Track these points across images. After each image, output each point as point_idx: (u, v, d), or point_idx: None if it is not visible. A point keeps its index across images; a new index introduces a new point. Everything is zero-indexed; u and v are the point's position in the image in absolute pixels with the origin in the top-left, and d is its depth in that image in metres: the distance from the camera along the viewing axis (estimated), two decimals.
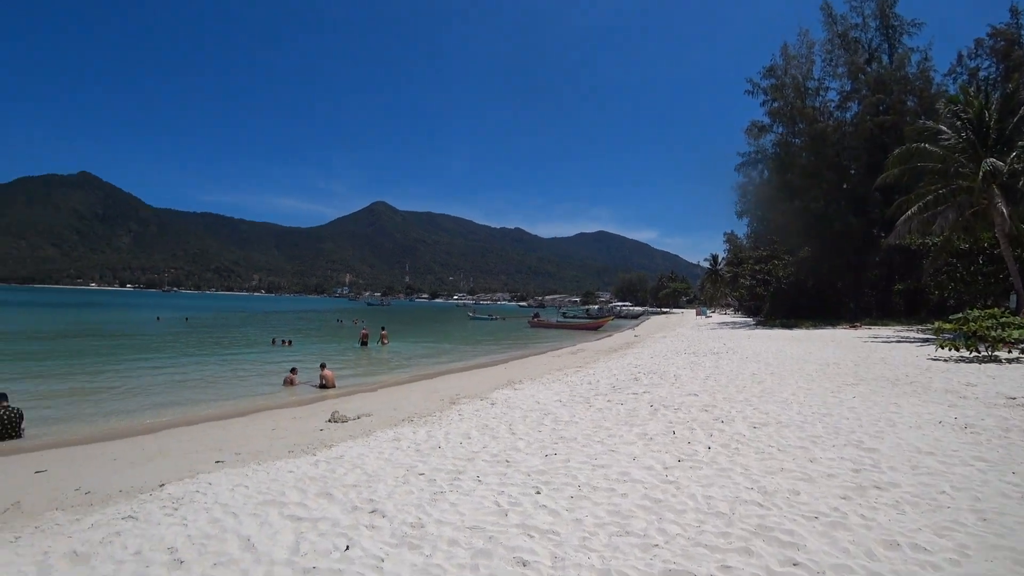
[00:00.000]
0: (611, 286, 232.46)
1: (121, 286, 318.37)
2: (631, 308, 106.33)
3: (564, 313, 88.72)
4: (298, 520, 5.12)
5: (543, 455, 6.91)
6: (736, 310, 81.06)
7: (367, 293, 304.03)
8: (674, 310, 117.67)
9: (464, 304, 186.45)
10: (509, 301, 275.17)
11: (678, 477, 5.86)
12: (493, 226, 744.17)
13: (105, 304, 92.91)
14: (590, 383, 13.58)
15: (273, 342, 30.02)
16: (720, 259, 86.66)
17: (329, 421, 10.59)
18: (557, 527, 4.66)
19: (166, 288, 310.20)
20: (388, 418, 10.61)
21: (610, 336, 41.36)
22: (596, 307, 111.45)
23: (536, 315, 67.10)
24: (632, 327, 55.64)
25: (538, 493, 5.50)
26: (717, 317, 69.18)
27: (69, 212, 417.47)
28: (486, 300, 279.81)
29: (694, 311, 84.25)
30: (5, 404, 10.40)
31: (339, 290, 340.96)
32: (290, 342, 29.96)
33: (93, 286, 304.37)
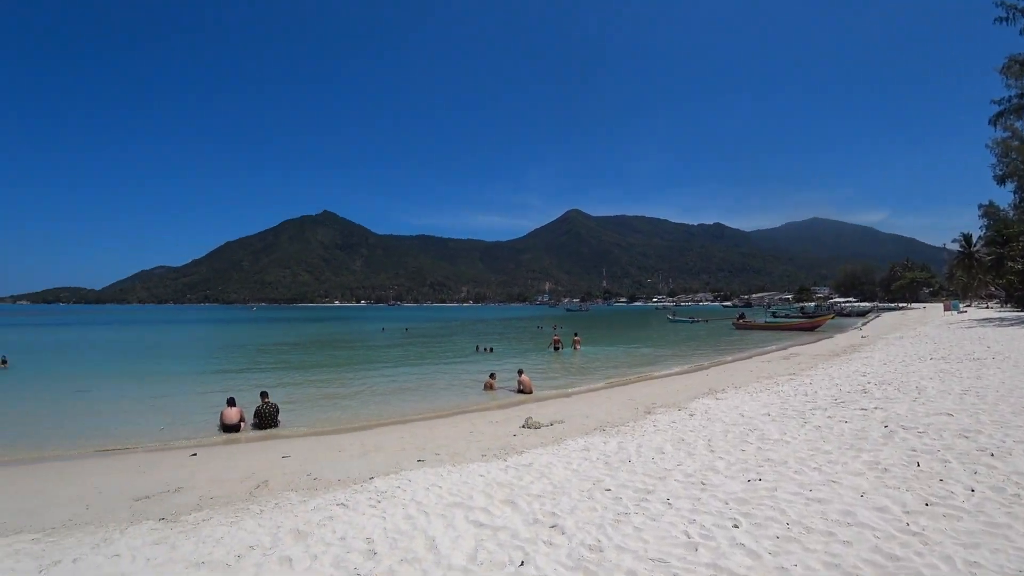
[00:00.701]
0: (829, 280, 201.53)
1: (357, 302, 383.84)
2: (856, 304, 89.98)
3: (774, 312, 79.25)
4: (480, 526, 5.21)
5: (745, 479, 5.99)
6: (1003, 302, 63.30)
7: (566, 299, 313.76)
8: (912, 305, 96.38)
9: (663, 306, 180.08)
10: (712, 301, 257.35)
11: (925, 528, 4.44)
12: (690, 223, 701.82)
13: (344, 318, 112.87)
14: (806, 394, 11.63)
15: (477, 349, 32.61)
16: (976, 239, 68.60)
17: (523, 427, 10.86)
18: (756, 575, 3.89)
19: (391, 302, 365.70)
20: (580, 426, 10.48)
21: (830, 338, 35.37)
22: (812, 304, 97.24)
23: (741, 315, 60.86)
24: (857, 326, 46.90)
25: (736, 527, 4.71)
26: (974, 312, 54.29)
27: (317, 244, 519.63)
28: (687, 301, 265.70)
29: (941, 305, 67.55)
30: (266, 399, 12.96)
31: (540, 298, 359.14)
32: (491, 349, 32.24)
33: (337, 303, 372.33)
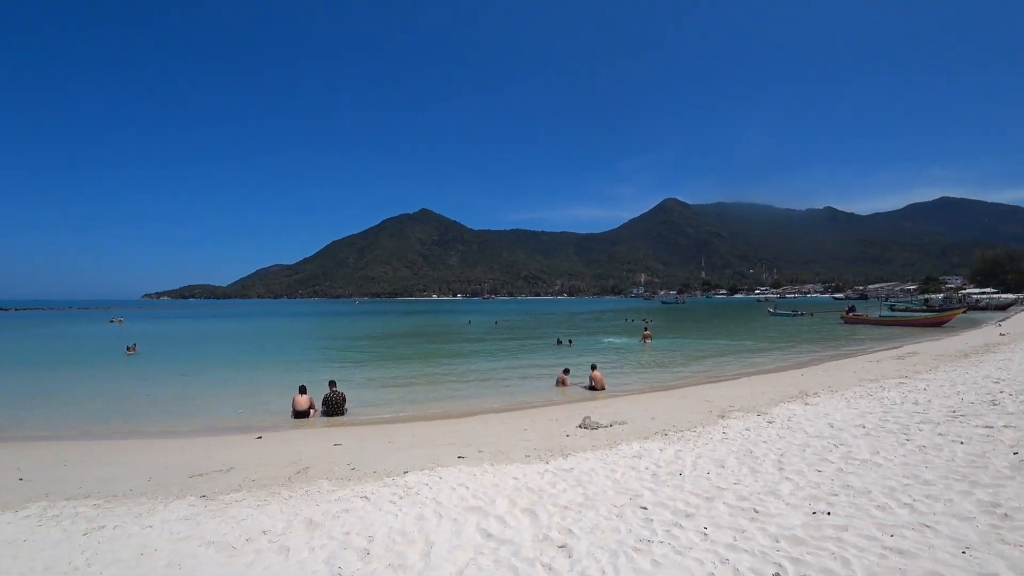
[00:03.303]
0: (963, 268, 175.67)
1: (453, 296, 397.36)
2: (995, 296, 77.31)
3: (891, 305, 70.69)
4: (487, 536, 4.86)
5: (810, 511, 5.06)
6: None
7: (662, 292, 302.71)
8: None
9: (766, 299, 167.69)
10: (822, 293, 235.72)
11: None
12: (797, 208, 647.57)
13: (438, 311, 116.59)
14: (915, 403, 9.97)
15: (559, 342, 32.08)
16: None
17: (579, 427, 10.30)
18: None
19: (486, 296, 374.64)
20: (641, 428, 9.73)
21: (957, 335, 30.61)
22: (940, 296, 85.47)
23: (851, 308, 54.45)
24: (996, 322, 40.22)
25: None
26: None
27: (415, 241, 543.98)
28: (792, 293, 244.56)
29: None
30: (334, 388, 13.40)
31: (634, 290, 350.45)
32: (571, 342, 31.61)
33: (434, 297, 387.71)
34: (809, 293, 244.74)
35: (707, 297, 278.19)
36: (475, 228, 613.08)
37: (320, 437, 10.61)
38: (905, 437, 7.60)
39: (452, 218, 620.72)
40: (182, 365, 23.94)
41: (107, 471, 8.34)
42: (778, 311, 68.73)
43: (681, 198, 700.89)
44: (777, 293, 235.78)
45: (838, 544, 4.32)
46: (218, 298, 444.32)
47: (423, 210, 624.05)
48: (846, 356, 23.11)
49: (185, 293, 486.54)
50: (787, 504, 5.26)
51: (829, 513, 4.98)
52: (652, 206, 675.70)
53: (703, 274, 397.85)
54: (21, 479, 7.96)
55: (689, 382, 17.36)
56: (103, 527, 5.59)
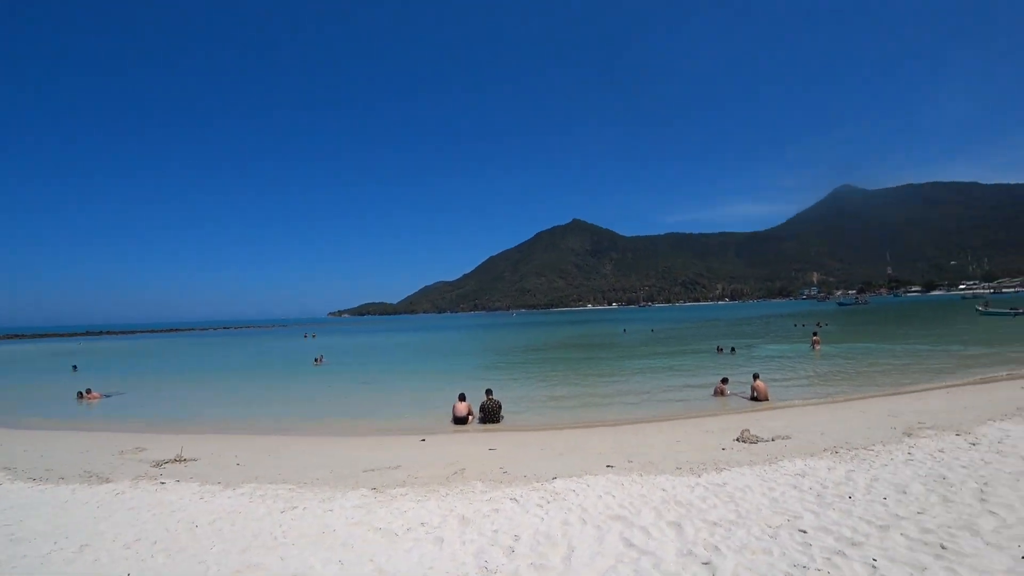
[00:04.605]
0: None
1: (608, 304, 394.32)
2: None
3: None
4: (629, 546, 4.86)
5: (1019, 555, 4.21)
6: None
7: (839, 292, 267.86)
8: None
9: (973, 295, 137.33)
10: None
11: None
12: (1011, 183, 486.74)
13: (593, 320, 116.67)
14: None
15: (718, 350, 30.22)
16: None
17: (736, 440, 9.66)
18: None
19: (642, 303, 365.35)
20: (807, 444, 8.84)
21: None
22: None
23: None
24: None
25: None
26: None
27: (568, 251, 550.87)
28: (1010, 288, 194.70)
29: None
30: (490, 396, 14.19)
31: (806, 291, 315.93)
32: (734, 349, 29.64)
33: (589, 306, 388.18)
34: None
35: (896, 296, 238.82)
36: (628, 235, 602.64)
37: (477, 442, 11.30)
38: None
39: (605, 226, 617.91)
40: (362, 374, 27.17)
41: (300, 461, 9.80)
42: (990, 309, 56.89)
43: (857, 184, 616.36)
44: (990, 288, 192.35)
45: None
46: (390, 314, 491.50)
47: (575, 220, 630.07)
48: None
49: (362, 311, 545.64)
50: (987, 543, 4.43)
51: None
52: (823, 196, 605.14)
53: (889, 270, 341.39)
54: (238, 464, 9.68)
55: (870, 393, 15.25)
56: (295, 507, 6.65)
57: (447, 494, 6.98)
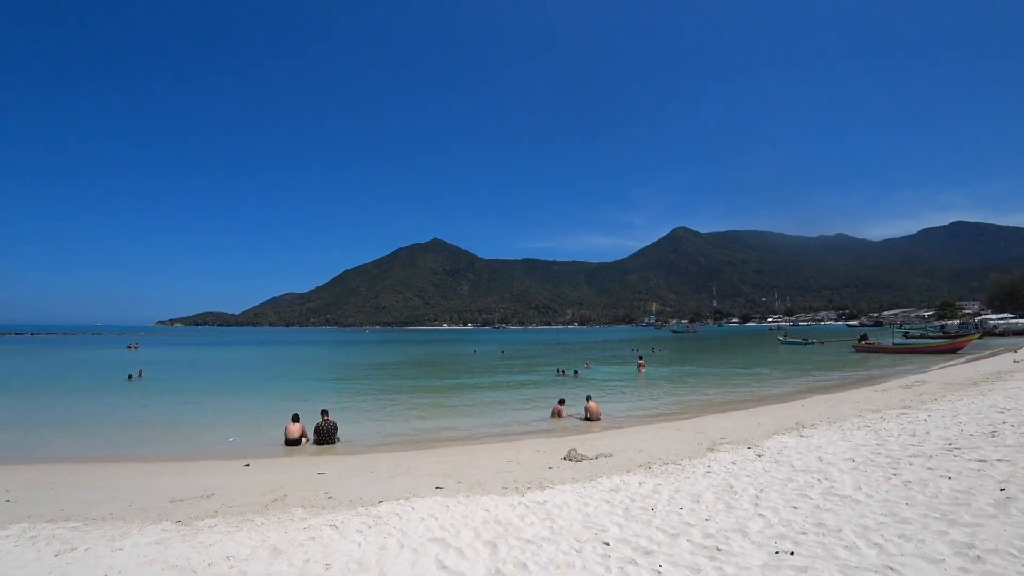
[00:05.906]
0: (980, 293, 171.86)
1: (464, 325, 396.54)
2: (1013, 322, 75.61)
3: (906, 332, 69.88)
4: (441, 568, 4.97)
5: (772, 550, 5.00)
6: None
7: (673, 320, 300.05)
8: None
9: (778, 327, 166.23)
10: (835, 320, 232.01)
11: None
12: (809, 236, 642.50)
13: (447, 340, 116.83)
14: (912, 435, 9.83)
15: (560, 372, 31.94)
16: None
17: (564, 459, 10.27)
18: None
19: (497, 325, 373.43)
20: (626, 461, 9.67)
21: (969, 363, 30.04)
22: (956, 323, 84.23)
23: (863, 337, 53.66)
24: (1013, 349, 39.07)
25: None
26: None
27: (426, 270, 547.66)
28: (806, 321, 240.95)
29: None
30: (326, 417, 13.49)
31: (646, 319, 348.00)
32: (576, 372, 31.54)
33: (445, 326, 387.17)
34: (823, 321, 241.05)
35: (719, 326, 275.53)
36: (486, 257, 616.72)
37: (306, 465, 10.67)
38: (893, 471, 7.47)
39: (464, 247, 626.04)
40: (186, 391, 24.22)
41: (92, 495, 8.45)
42: (788, 340, 68.08)
43: (692, 226, 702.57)
44: (790, 321, 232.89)
45: None
46: (230, 325, 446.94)
47: (435, 239, 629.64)
48: (853, 386, 22.85)
49: (199, 320, 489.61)
50: (752, 543, 5.20)
51: (792, 553, 4.89)
52: (663, 234, 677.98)
53: (714, 303, 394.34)
54: (8, 500, 8.09)
55: (687, 413, 17.23)
56: (75, 549, 5.72)
57: (262, 523, 6.47)
